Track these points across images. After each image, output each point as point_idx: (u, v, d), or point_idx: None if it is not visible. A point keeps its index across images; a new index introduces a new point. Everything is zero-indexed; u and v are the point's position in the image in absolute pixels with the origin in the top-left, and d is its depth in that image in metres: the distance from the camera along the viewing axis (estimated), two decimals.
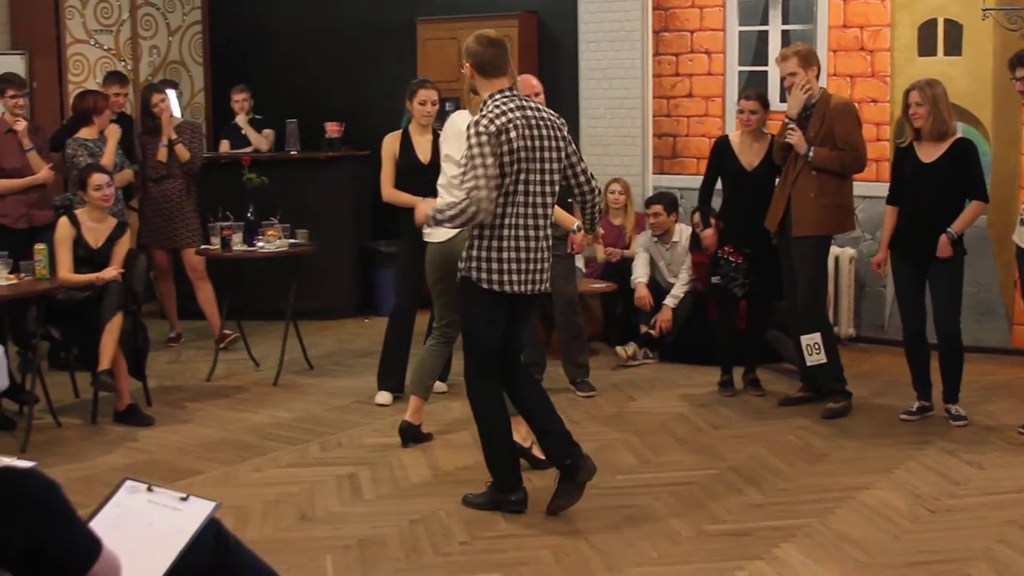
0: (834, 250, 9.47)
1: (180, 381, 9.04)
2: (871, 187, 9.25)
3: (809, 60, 7.74)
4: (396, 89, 9.01)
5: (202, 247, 9.36)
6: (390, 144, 8.25)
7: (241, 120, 11.46)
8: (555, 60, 11.23)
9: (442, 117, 10.85)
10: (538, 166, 5.83)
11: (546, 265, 6.00)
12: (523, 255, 5.85)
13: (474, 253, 5.85)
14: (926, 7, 9.53)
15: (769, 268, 8.06)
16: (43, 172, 9.17)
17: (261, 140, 11.45)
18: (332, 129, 11.36)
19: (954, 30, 9.45)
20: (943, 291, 7.49)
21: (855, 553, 5.46)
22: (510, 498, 6.05)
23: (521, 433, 6.50)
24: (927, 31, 9.57)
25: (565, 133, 6.00)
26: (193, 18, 12.72)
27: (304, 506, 6.21)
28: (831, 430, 7.50)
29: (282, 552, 5.37)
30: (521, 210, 5.82)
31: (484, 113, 5.78)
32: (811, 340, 7.68)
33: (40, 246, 7.84)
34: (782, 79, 7.84)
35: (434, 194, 8.11)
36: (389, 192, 8.22)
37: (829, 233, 7.92)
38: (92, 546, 3.19)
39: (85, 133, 9.27)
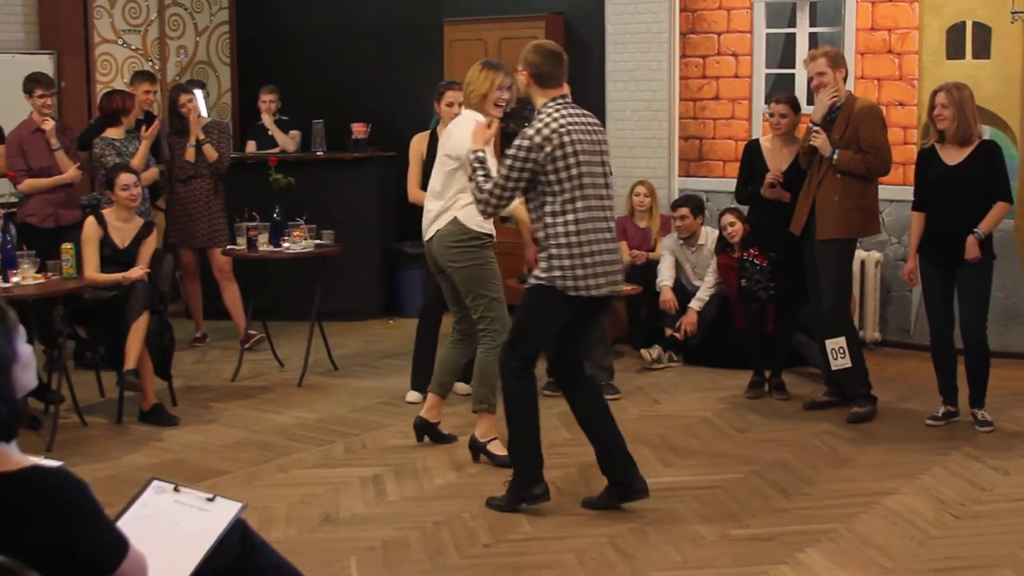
0: (860, 254, 9.45)
1: (205, 381, 9.07)
2: (897, 191, 9.22)
3: (838, 62, 7.72)
4: (422, 90, 9.04)
5: (228, 247, 9.39)
6: (418, 145, 8.27)
7: (267, 121, 11.48)
8: (582, 62, 11.20)
9: None
10: (599, 169, 5.95)
11: (618, 267, 6.09)
12: (605, 257, 5.93)
13: (556, 262, 5.87)
14: (954, 10, 9.49)
15: (794, 272, 8.04)
16: (70, 171, 9.21)
17: (288, 141, 11.47)
18: (358, 130, 11.37)
19: (982, 33, 9.41)
20: (971, 295, 7.47)
21: (880, 559, 5.44)
22: (533, 491, 6.06)
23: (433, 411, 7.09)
24: (955, 34, 9.53)
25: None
26: (220, 18, 12.76)
27: (328, 507, 6.22)
28: (856, 434, 7.48)
29: (306, 553, 5.38)
30: (597, 213, 5.91)
31: (537, 122, 5.87)
32: (836, 344, 7.66)
33: (67, 245, 7.87)
34: (809, 80, 7.81)
35: None
36: (416, 193, 8.23)
37: (854, 236, 7.90)
38: (119, 545, 3.21)
39: (112, 133, 9.30)
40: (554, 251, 5.86)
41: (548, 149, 5.76)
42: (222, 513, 3.71)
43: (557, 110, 5.89)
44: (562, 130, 5.80)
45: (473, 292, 6.87)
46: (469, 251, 6.85)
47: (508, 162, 5.82)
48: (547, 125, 5.81)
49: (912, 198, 7.77)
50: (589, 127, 5.96)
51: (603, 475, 6.18)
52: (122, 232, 8.03)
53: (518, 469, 6.13)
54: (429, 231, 6.99)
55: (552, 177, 5.80)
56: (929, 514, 6.02)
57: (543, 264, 5.93)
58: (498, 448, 6.86)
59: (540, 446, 6.19)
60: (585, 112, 6.04)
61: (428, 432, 7.30)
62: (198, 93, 10.59)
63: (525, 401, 6.11)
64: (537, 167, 5.79)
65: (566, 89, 6.09)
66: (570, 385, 6.23)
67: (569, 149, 5.79)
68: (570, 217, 5.83)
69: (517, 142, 5.81)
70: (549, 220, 5.87)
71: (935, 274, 7.56)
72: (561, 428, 7.63)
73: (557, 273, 5.86)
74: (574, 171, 5.82)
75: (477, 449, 6.99)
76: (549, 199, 5.85)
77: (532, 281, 6.02)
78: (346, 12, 12.64)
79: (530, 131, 5.81)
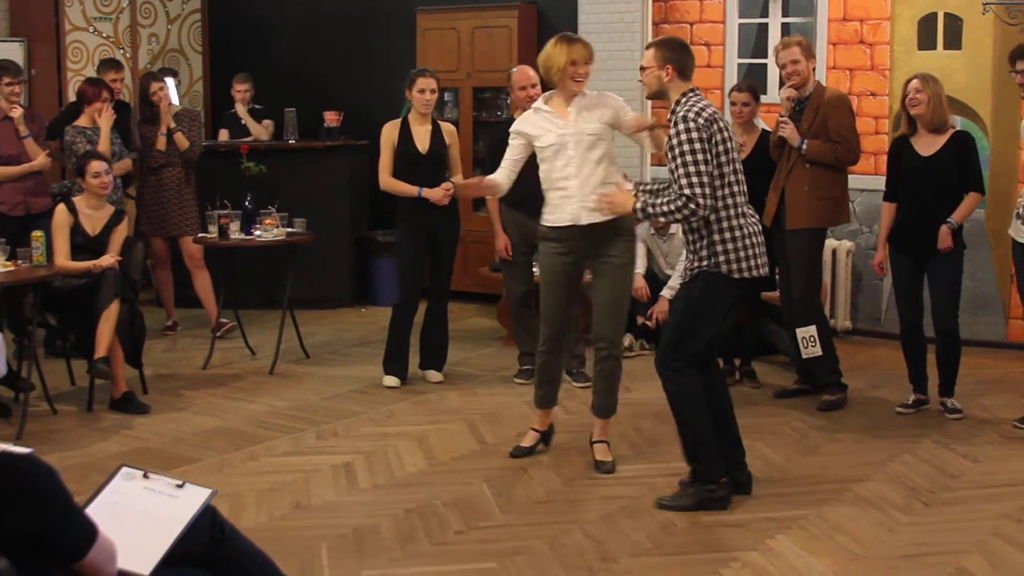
0: (831, 243, 9.50)
1: (176, 369, 9.04)
2: (869, 180, 9.26)
3: (810, 51, 7.74)
4: (395, 79, 9.02)
5: (200, 235, 9.37)
6: (389, 133, 8.26)
7: (241, 110, 11.45)
8: None
9: (441, 106, 10.93)
10: (737, 156, 5.96)
11: (764, 250, 6.05)
12: (759, 239, 5.96)
13: (719, 248, 5.82)
14: (926, 1, 9.53)
15: None
16: (40, 159, 9.17)
17: (261, 130, 11.44)
18: (331, 118, 11.34)
19: (954, 24, 9.45)
20: (942, 285, 7.50)
21: (849, 545, 5.47)
22: (717, 493, 5.92)
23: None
24: (927, 25, 9.57)
25: None
26: (192, 6, 12.72)
27: (299, 494, 6.21)
28: (827, 422, 7.51)
29: (277, 540, 5.37)
30: (744, 199, 5.94)
31: (687, 107, 5.82)
32: (806, 333, 7.68)
33: (37, 233, 7.84)
34: (781, 68, 7.81)
35: (432, 184, 8.16)
36: (387, 181, 8.24)
37: (823, 226, 7.92)
38: (88, 532, 3.20)
39: (84, 121, 9.26)
40: (717, 235, 5.82)
41: (713, 130, 5.77)
42: (192, 500, 3.71)
43: (699, 99, 5.89)
44: (716, 115, 5.83)
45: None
46: None
47: (687, 157, 5.71)
48: (704, 109, 5.80)
49: (883, 188, 7.79)
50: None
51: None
52: (93, 220, 7.99)
53: (704, 471, 5.94)
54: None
55: (716, 160, 5.81)
56: (899, 501, 6.05)
57: (703, 252, 5.87)
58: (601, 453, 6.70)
59: (718, 447, 6.02)
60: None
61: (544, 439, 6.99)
62: (170, 81, 10.54)
63: (702, 408, 5.96)
64: (715, 142, 5.77)
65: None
66: (707, 367, 6.15)
67: (726, 133, 5.84)
68: (729, 201, 5.84)
69: (683, 136, 5.72)
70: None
71: (905, 264, 7.59)
72: (533, 416, 7.63)
73: (721, 258, 5.82)
74: (733, 155, 5.86)
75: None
76: None
77: (698, 270, 5.92)
78: (319, 0, 12.60)
79: (691, 115, 5.75)
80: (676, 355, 5.93)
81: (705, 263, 5.85)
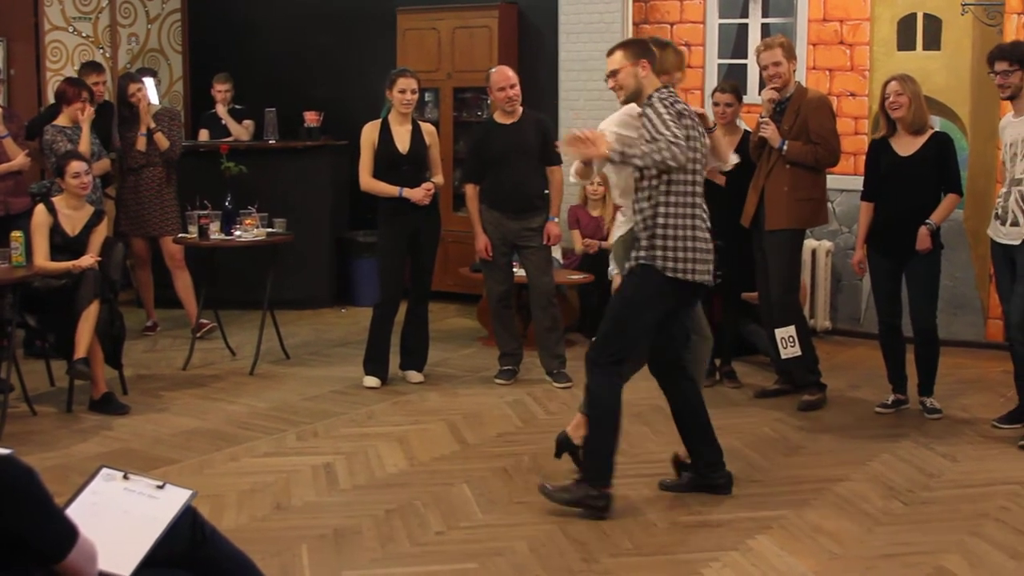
0: (811, 243, 9.53)
1: (156, 370, 9.02)
2: (848, 180, 9.28)
3: (792, 53, 7.75)
4: (376, 79, 9.04)
5: (180, 236, 9.34)
6: (369, 133, 8.26)
7: (221, 110, 11.43)
8: (535, 51, 11.24)
9: (421, 107, 10.94)
10: (701, 158, 5.89)
11: (712, 256, 5.98)
12: (707, 245, 5.88)
13: (659, 243, 5.78)
14: (905, 2, 9.57)
15: (740, 260, 8.08)
16: (19, 159, 9.13)
17: (241, 131, 11.43)
18: (311, 118, 11.33)
19: (933, 25, 9.49)
20: (920, 285, 7.52)
21: (829, 545, 5.48)
22: (599, 502, 5.86)
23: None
24: (906, 26, 9.60)
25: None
26: (172, 6, 12.71)
27: (280, 495, 6.20)
28: (806, 422, 7.53)
29: (258, 541, 5.36)
30: (699, 200, 5.86)
31: (660, 97, 5.80)
32: (785, 333, 7.70)
33: (16, 233, 7.82)
34: (763, 69, 7.81)
35: (412, 184, 8.17)
36: (368, 181, 8.25)
37: (803, 227, 7.94)
38: (69, 533, 3.20)
39: (63, 120, 9.24)
40: (661, 231, 5.78)
41: (684, 122, 5.73)
42: (172, 500, 3.70)
43: (674, 96, 5.87)
44: (688, 112, 5.82)
45: None
46: None
47: (663, 117, 5.66)
48: (677, 103, 5.79)
49: (862, 188, 7.82)
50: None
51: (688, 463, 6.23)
52: (72, 220, 7.97)
53: (591, 471, 5.91)
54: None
55: None
56: (878, 501, 6.06)
57: (643, 243, 5.84)
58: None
59: (613, 455, 5.93)
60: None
61: (568, 448, 6.55)
62: (149, 81, 10.52)
63: (611, 410, 5.92)
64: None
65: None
66: (671, 374, 6.16)
67: (696, 132, 5.80)
68: (687, 200, 5.79)
69: (653, 111, 5.71)
70: (661, 199, 5.78)
71: (884, 264, 7.61)
72: (514, 417, 7.66)
73: (659, 253, 5.77)
74: (699, 153, 5.81)
75: (564, 447, 6.55)
76: (665, 177, 5.75)
77: (635, 262, 5.90)
78: (299, 0, 12.59)
79: (665, 100, 5.75)
80: (604, 351, 5.92)
81: (643, 256, 5.84)
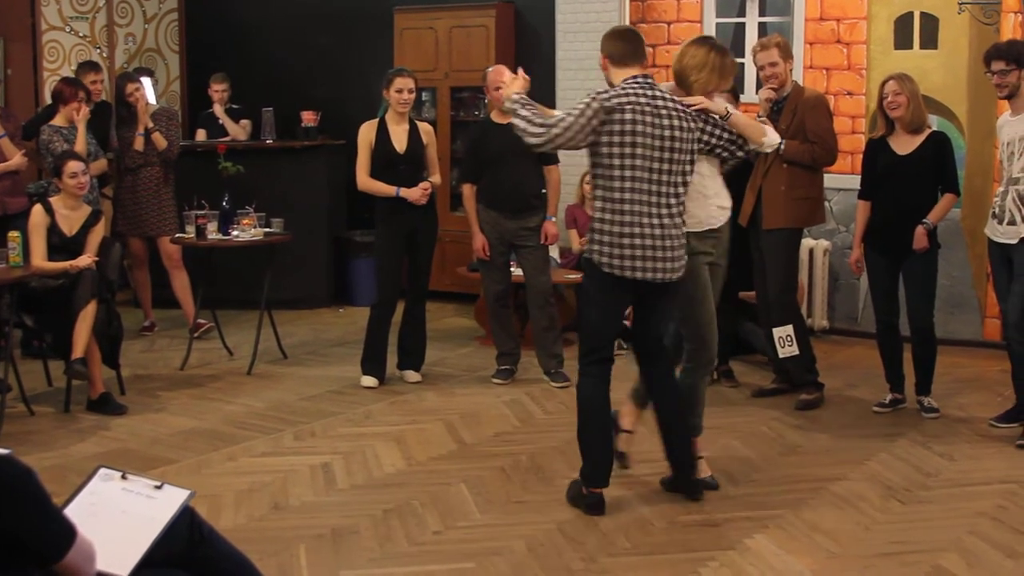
0: (808, 242, 9.53)
1: (154, 370, 9.02)
2: (846, 179, 9.29)
3: (788, 52, 7.75)
4: (373, 78, 9.03)
5: (177, 236, 9.34)
6: (366, 133, 8.26)
7: (218, 110, 11.43)
8: (532, 51, 11.24)
9: (418, 106, 10.93)
10: (667, 155, 5.72)
11: (675, 254, 5.79)
12: (648, 241, 5.73)
13: (596, 236, 5.79)
14: (903, 0, 9.57)
15: (736, 259, 8.08)
16: (16, 159, 9.14)
17: (238, 130, 11.42)
18: (308, 118, 11.32)
19: (930, 24, 9.49)
20: (917, 284, 7.53)
21: (827, 544, 5.48)
22: (588, 500, 5.91)
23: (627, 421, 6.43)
24: (903, 24, 9.61)
25: (694, 124, 5.87)
26: (169, 6, 12.70)
27: (278, 495, 6.20)
28: (804, 422, 7.53)
29: (255, 541, 5.36)
30: (646, 197, 5.71)
31: (608, 90, 5.78)
32: (783, 332, 7.70)
33: (14, 233, 7.81)
34: (760, 69, 7.81)
35: (409, 184, 8.17)
36: (365, 181, 8.25)
37: (800, 226, 7.94)
38: (67, 533, 3.20)
39: (60, 120, 9.23)
40: (599, 225, 5.77)
41: (613, 118, 5.65)
42: (170, 500, 3.70)
43: (633, 88, 5.76)
44: (627, 107, 5.67)
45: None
46: None
47: (571, 113, 5.70)
48: (614, 99, 5.69)
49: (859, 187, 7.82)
50: (668, 111, 5.74)
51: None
52: (70, 220, 7.97)
53: (582, 469, 5.97)
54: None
55: (604, 150, 5.70)
56: (876, 500, 6.07)
57: (588, 237, 5.88)
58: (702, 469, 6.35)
59: (606, 453, 6.00)
60: (671, 98, 5.83)
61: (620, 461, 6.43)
62: (147, 81, 10.52)
63: (591, 407, 5.98)
64: (593, 133, 5.67)
65: (645, 68, 5.93)
66: (645, 368, 6.17)
67: (617, 128, 5.65)
68: (619, 195, 5.72)
69: (583, 101, 5.72)
70: (598, 193, 5.79)
71: (881, 263, 7.62)
72: (511, 416, 7.66)
73: (595, 247, 5.78)
74: (635, 150, 5.66)
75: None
76: (601, 172, 5.75)
77: (583, 255, 5.99)
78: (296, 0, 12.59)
79: (603, 95, 5.70)
80: (581, 351, 6.02)
81: (586, 250, 5.92)
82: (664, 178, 5.74)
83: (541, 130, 5.73)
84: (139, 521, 3.61)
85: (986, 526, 5.69)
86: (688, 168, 5.83)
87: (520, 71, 6.32)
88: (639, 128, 5.67)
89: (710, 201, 6.07)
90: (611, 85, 5.90)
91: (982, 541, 5.50)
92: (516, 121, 5.82)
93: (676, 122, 5.75)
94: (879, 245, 7.60)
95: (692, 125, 5.83)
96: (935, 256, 7.54)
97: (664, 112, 5.73)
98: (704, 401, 6.36)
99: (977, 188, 9.20)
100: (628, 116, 5.66)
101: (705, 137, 5.95)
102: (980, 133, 9.25)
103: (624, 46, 5.91)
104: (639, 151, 5.68)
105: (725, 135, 6.02)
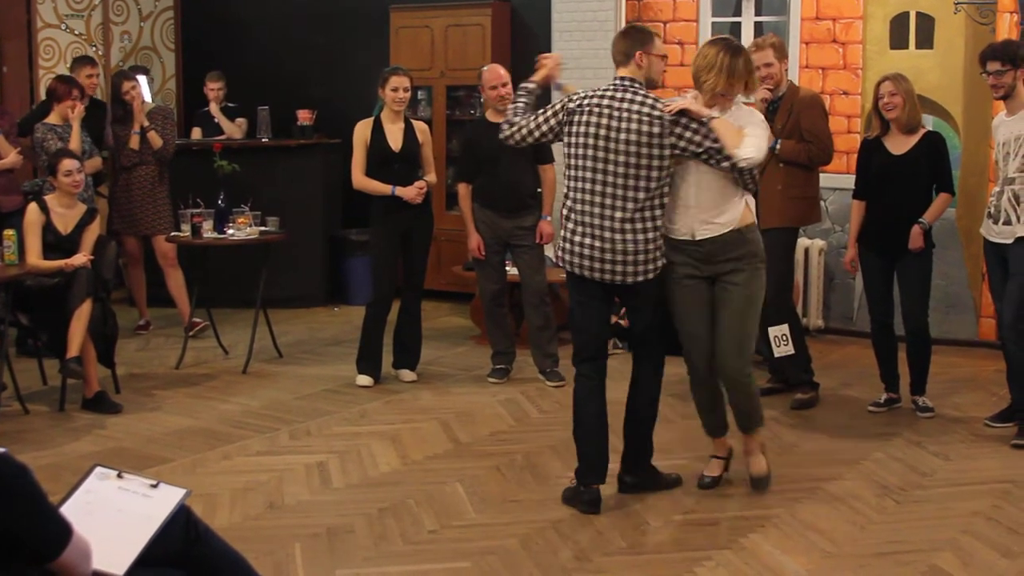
0: (803, 242, 9.53)
1: (149, 369, 9.01)
2: (841, 179, 9.28)
3: (783, 52, 7.75)
4: (369, 77, 9.01)
5: (172, 234, 9.34)
6: (361, 131, 8.26)
7: (214, 109, 11.42)
8: (528, 50, 11.16)
9: (414, 105, 10.93)
10: (620, 158, 5.71)
11: (633, 258, 5.76)
12: (597, 243, 5.77)
13: (560, 233, 5.95)
14: (898, 0, 9.57)
15: None
16: (11, 157, 9.13)
17: (234, 129, 11.41)
18: (304, 117, 11.32)
19: (926, 23, 9.50)
20: (912, 284, 7.53)
21: (822, 543, 5.49)
22: (583, 496, 5.93)
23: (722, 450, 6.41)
24: (899, 24, 9.61)
25: (661, 130, 5.72)
26: (165, 4, 12.68)
27: (273, 494, 6.20)
28: (799, 421, 7.54)
29: (251, 540, 5.36)
30: (598, 199, 5.75)
31: (585, 92, 5.94)
32: (778, 332, 7.68)
33: (9, 232, 7.81)
34: (755, 69, 7.80)
35: (405, 182, 8.17)
36: (360, 180, 8.24)
37: (796, 225, 7.95)
38: (63, 531, 3.19)
39: (54, 118, 9.22)
40: (561, 223, 5.96)
41: (574, 118, 5.84)
42: (166, 499, 3.70)
43: (601, 90, 5.88)
44: (584, 108, 5.83)
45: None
46: None
47: (546, 108, 6.02)
48: (584, 98, 5.87)
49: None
50: (626, 113, 5.72)
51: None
52: (65, 219, 7.97)
53: (577, 468, 6.02)
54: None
55: (565, 151, 5.91)
56: (871, 499, 6.08)
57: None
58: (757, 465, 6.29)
59: (598, 452, 5.98)
60: (640, 99, 5.77)
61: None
62: (142, 79, 10.51)
63: (579, 405, 6.07)
64: (551, 133, 5.99)
65: (629, 70, 5.92)
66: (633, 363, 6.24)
67: (574, 128, 5.84)
68: (571, 194, 5.87)
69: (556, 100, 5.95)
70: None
71: (876, 263, 7.62)
72: (506, 416, 7.66)
73: (557, 243, 5.93)
74: (580, 151, 5.80)
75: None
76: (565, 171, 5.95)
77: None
78: None
79: (576, 96, 5.91)
80: (573, 352, 6.14)
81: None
82: (617, 180, 5.74)
83: (505, 124, 6.18)
84: (135, 520, 3.61)
85: (981, 525, 5.70)
86: (651, 174, 5.73)
87: (556, 55, 6.62)
88: (590, 130, 5.79)
89: (691, 211, 5.89)
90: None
91: (977, 540, 5.51)
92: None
93: (634, 126, 5.71)
94: (874, 245, 7.60)
95: (656, 130, 5.71)
96: (930, 256, 7.54)
97: (623, 115, 5.75)
98: (711, 408, 6.34)
99: (972, 188, 9.21)
100: (583, 118, 5.81)
101: (682, 144, 5.75)
102: (976, 133, 9.26)
103: (615, 47, 6.03)
104: (588, 152, 5.80)
105: (708, 142, 5.76)
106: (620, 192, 5.75)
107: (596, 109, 5.78)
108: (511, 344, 8.67)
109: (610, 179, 5.75)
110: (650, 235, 5.79)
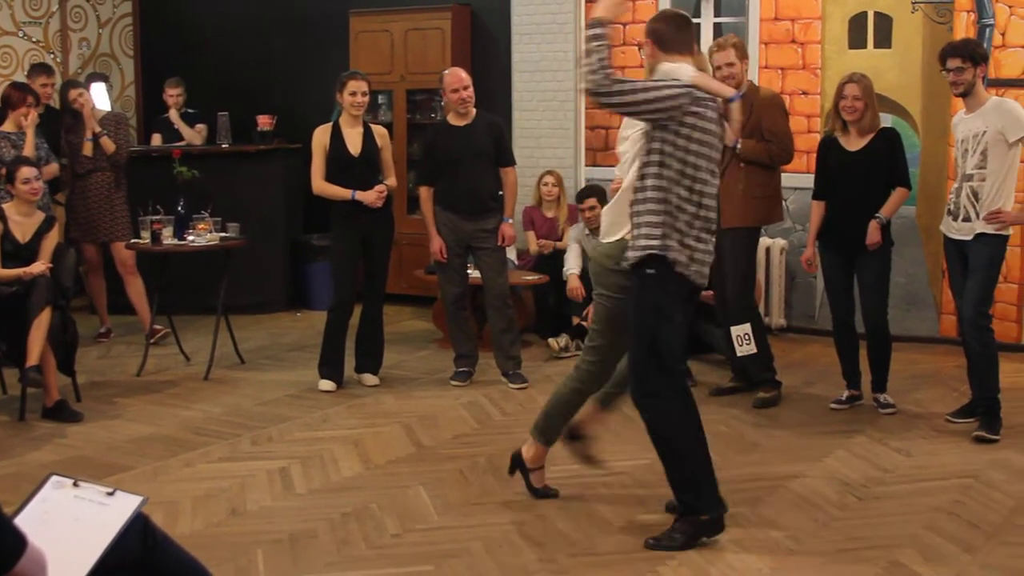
0: (765, 241, 9.57)
1: (110, 376, 8.96)
2: (802, 178, 9.30)
3: (744, 52, 7.77)
4: (328, 82, 9.00)
5: (132, 241, 9.29)
6: (320, 137, 8.25)
7: (173, 115, 11.38)
8: (488, 53, 11.24)
9: (375, 109, 10.91)
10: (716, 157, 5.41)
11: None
12: (703, 247, 5.42)
13: (678, 241, 5.35)
14: (856, 0, 9.61)
15: None
16: None
17: (194, 135, 11.38)
18: (264, 122, 11.30)
19: (884, 23, 9.54)
20: (871, 282, 7.57)
21: (785, 541, 5.50)
22: (703, 519, 5.46)
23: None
24: (857, 24, 9.65)
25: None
26: (123, 10, 12.64)
27: (235, 500, 6.17)
28: (762, 419, 7.55)
29: (213, 547, 5.34)
30: (714, 202, 5.43)
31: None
32: (741, 331, 7.71)
33: None
34: (716, 69, 7.83)
35: (365, 186, 8.15)
36: (320, 185, 8.23)
37: (758, 225, 7.98)
38: (17, 542, 3.16)
39: (8, 126, 9.17)
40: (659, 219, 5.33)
41: (690, 109, 5.23)
42: (122, 507, 3.67)
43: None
44: (702, 99, 5.28)
45: None
46: None
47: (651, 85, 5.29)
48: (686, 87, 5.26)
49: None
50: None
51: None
52: (23, 227, 7.92)
53: (684, 498, 5.55)
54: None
55: (682, 143, 5.26)
56: (833, 496, 6.09)
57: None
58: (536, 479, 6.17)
59: (706, 470, 5.57)
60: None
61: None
62: (101, 86, 10.46)
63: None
64: (673, 112, 5.22)
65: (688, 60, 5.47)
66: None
67: (705, 124, 5.29)
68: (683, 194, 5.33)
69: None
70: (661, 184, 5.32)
71: (836, 261, 7.65)
72: (469, 418, 7.65)
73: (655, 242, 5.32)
74: (697, 147, 5.28)
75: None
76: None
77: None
78: (251, 3, 12.53)
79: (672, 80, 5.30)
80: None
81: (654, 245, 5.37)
82: (716, 180, 5.43)
83: (609, 84, 5.17)
84: (91, 528, 3.57)
85: (943, 521, 5.72)
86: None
87: None
88: (716, 129, 5.36)
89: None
90: (651, 72, 5.54)
91: (939, 536, 5.53)
92: (586, 58, 5.20)
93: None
94: (833, 243, 7.64)
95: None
96: (888, 254, 7.57)
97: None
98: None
99: (932, 186, 9.26)
100: (710, 113, 5.32)
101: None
102: (934, 131, 9.31)
103: (676, 33, 5.50)
104: (714, 154, 5.39)
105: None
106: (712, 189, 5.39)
107: (711, 104, 5.30)
108: (473, 347, 8.66)
109: (715, 179, 5.42)
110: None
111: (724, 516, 5.52)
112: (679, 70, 5.38)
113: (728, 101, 5.36)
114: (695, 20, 10.20)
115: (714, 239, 5.47)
